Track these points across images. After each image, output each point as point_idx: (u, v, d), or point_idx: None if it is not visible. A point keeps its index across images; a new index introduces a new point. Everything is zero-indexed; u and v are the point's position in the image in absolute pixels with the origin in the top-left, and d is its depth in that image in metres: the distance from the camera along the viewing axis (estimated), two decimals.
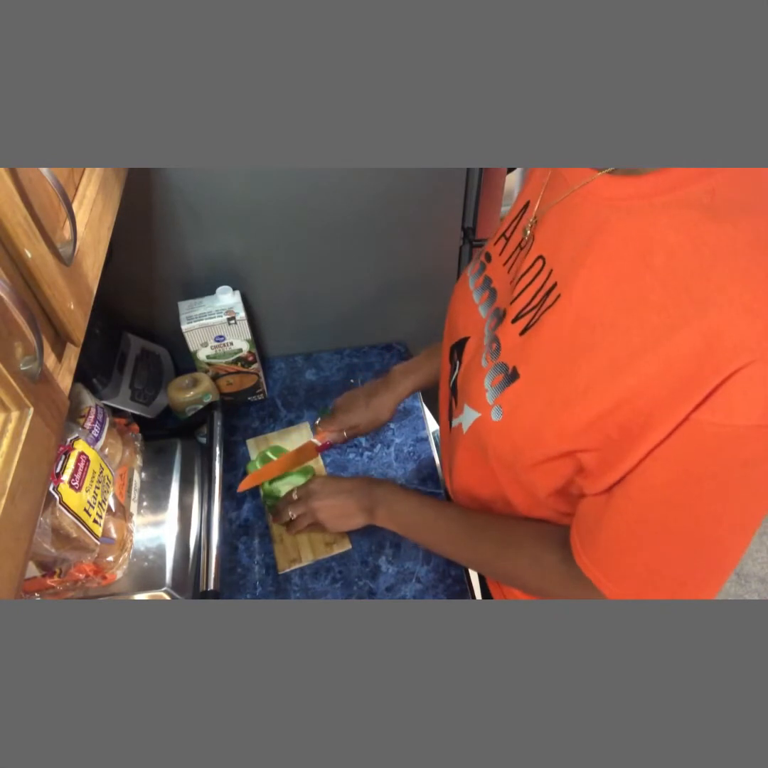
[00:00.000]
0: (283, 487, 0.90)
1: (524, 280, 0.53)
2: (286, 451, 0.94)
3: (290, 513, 0.82)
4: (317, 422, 0.91)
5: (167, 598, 0.71)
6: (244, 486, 0.90)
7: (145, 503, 0.79)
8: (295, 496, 0.82)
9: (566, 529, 0.55)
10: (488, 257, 0.63)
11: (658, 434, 0.41)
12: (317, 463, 0.97)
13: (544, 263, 0.52)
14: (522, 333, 0.52)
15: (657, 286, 0.41)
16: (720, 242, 0.39)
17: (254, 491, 0.94)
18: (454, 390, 0.65)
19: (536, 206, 0.56)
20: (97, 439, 0.70)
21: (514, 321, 0.53)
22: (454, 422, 0.64)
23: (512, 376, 0.52)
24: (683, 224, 0.41)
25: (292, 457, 0.91)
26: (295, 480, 0.92)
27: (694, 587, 0.48)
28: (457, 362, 0.64)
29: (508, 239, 0.60)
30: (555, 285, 0.49)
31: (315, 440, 0.90)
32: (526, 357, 0.51)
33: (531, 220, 0.56)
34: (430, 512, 0.71)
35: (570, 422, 0.46)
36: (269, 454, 0.95)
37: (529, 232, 0.55)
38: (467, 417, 0.58)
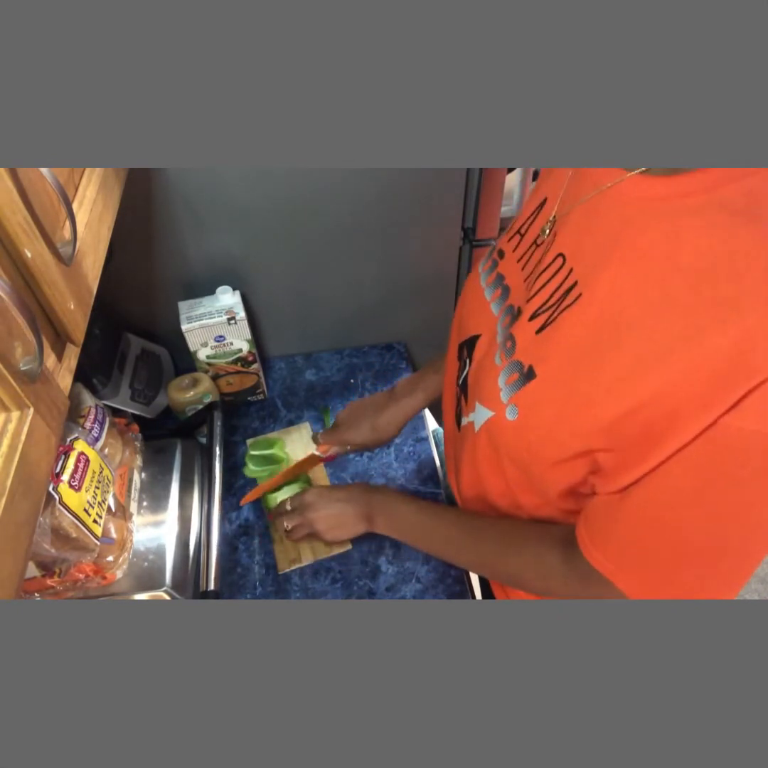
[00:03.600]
0: (281, 496, 0.89)
1: (542, 278, 0.52)
2: (278, 440, 0.96)
3: (285, 524, 0.80)
4: (319, 435, 0.88)
5: (167, 598, 0.71)
6: (246, 499, 0.90)
7: (145, 503, 0.79)
8: (288, 507, 0.81)
9: (568, 528, 0.55)
10: (501, 254, 0.62)
11: (684, 436, 0.40)
12: (319, 467, 0.97)
13: (564, 261, 0.51)
14: (538, 331, 0.51)
15: (685, 287, 0.40)
16: (755, 245, 0.38)
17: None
18: (463, 388, 0.64)
19: (556, 205, 0.55)
20: (97, 439, 0.70)
21: (530, 319, 0.52)
22: (464, 421, 0.63)
23: (528, 374, 0.51)
24: (716, 227, 0.40)
25: (294, 468, 0.91)
26: (293, 490, 0.91)
27: (713, 587, 0.47)
28: (467, 360, 0.63)
29: (522, 236, 0.59)
30: (575, 284, 0.48)
31: (318, 452, 0.89)
32: (544, 356, 0.50)
33: (550, 218, 0.55)
34: (428, 517, 0.70)
35: (589, 422, 0.45)
36: (253, 452, 0.96)
37: (548, 230, 0.55)
38: (479, 415, 0.57)
